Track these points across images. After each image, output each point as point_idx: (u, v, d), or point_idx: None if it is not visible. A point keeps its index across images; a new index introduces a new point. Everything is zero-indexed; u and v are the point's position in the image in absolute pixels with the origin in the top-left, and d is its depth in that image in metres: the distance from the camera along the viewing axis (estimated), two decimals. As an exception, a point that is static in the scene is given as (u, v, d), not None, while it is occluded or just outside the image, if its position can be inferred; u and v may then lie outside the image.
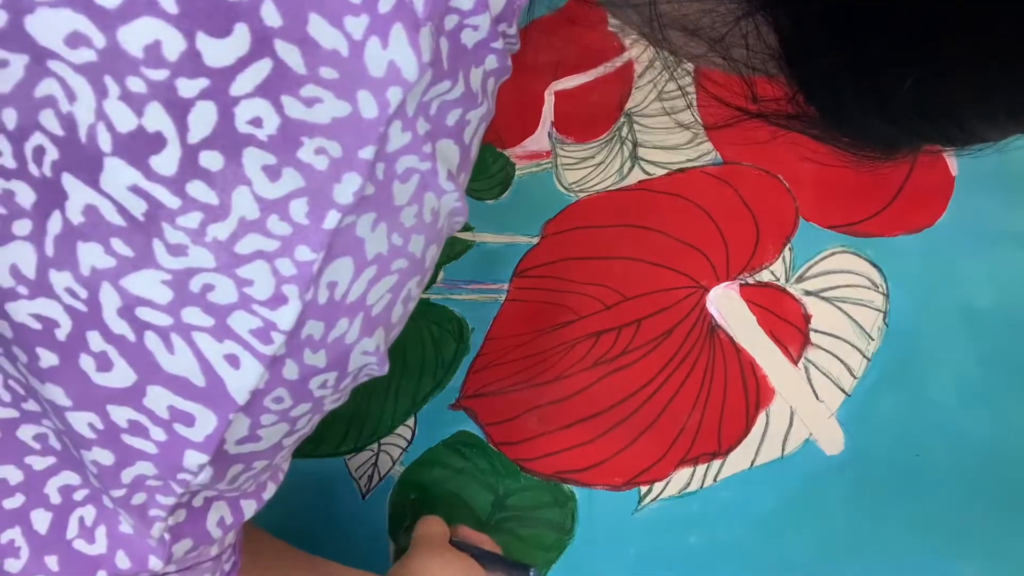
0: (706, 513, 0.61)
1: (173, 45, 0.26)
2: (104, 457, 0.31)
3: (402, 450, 0.63)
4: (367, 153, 0.28)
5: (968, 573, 0.60)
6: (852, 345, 0.61)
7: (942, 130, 0.30)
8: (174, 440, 0.30)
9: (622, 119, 0.64)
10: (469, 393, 0.63)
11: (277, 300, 0.29)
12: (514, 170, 0.64)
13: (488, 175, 0.65)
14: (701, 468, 0.61)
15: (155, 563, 0.33)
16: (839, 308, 0.62)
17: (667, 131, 0.64)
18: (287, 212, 0.28)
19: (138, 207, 0.27)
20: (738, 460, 0.61)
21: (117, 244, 0.28)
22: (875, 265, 0.62)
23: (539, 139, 0.65)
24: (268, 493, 0.37)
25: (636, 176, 0.64)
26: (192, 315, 0.29)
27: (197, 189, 0.27)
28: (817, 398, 0.61)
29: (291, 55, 0.27)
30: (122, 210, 0.27)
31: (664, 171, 0.64)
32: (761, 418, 0.61)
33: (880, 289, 0.62)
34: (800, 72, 0.30)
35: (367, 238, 0.30)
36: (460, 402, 0.63)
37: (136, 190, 0.27)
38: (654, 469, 0.61)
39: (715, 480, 0.61)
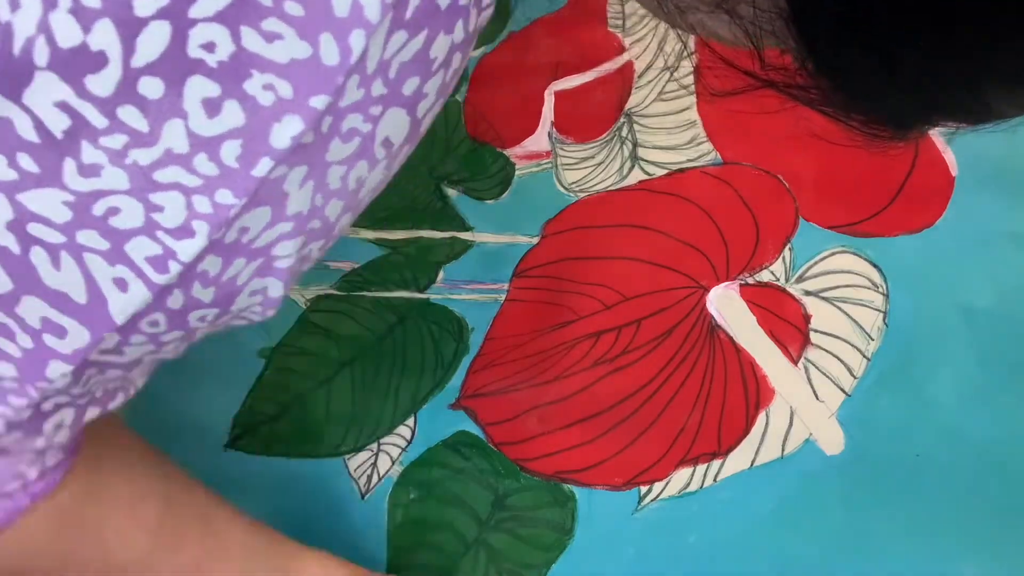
0: (706, 513, 0.61)
1: None
2: None
3: (402, 450, 0.63)
4: (319, 102, 0.27)
5: (968, 573, 0.60)
6: (852, 345, 0.61)
7: (955, 100, 0.29)
8: (39, 349, 0.30)
9: (622, 119, 0.64)
10: (469, 393, 0.63)
11: (184, 232, 0.28)
12: (514, 170, 0.64)
13: (488, 175, 0.65)
14: (701, 468, 0.61)
15: None
16: (839, 308, 0.62)
17: (667, 131, 0.64)
18: (217, 153, 0.27)
19: (60, 124, 0.26)
20: (738, 460, 0.61)
21: (23, 159, 0.26)
22: (875, 265, 0.62)
23: (539, 139, 0.65)
24: (115, 403, 0.36)
25: (636, 176, 0.64)
26: (87, 237, 0.28)
27: (128, 114, 0.26)
28: (817, 398, 0.61)
29: None
30: (39, 126, 0.26)
31: (664, 171, 0.64)
32: (761, 418, 0.61)
33: (880, 289, 0.62)
34: (807, 33, 0.29)
35: (292, 194, 0.29)
36: (460, 402, 0.63)
37: (63, 106, 0.26)
38: (654, 469, 0.61)
39: (715, 480, 0.61)
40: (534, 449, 0.62)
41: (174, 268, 0.28)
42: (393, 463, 0.63)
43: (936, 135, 0.64)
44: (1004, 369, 0.61)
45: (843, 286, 0.62)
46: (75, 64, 0.25)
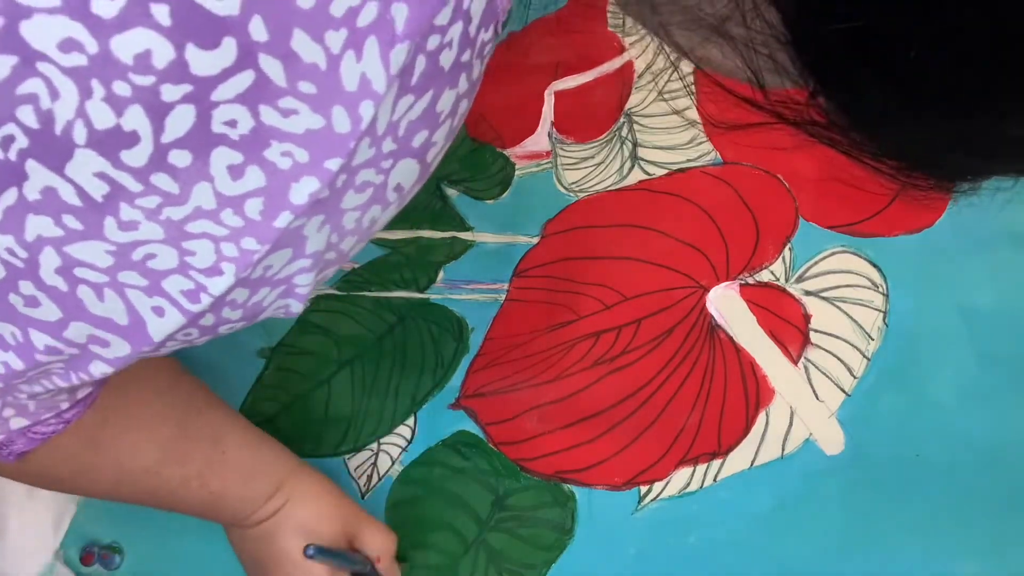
0: (706, 513, 0.61)
1: (163, 54, 0.27)
2: (15, 363, 0.33)
3: (402, 450, 0.63)
4: (333, 164, 0.30)
5: (968, 573, 0.60)
6: (852, 345, 0.61)
7: (980, 127, 0.28)
8: (86, 355, 0.33)
9: (622, 119, 0.64)
10: (469, 393, 0.63)
11: (214, 272, 0.31)
12: (514, 170, 0.64)
13: (488, 175, 0.65)
14: (701, 468, 0.61)
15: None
16: (839, 308, 0.62)
17: (667, 131, 0.64)
18: (242, 208, 0.30)
19: (99, 190, 0.29)
20: (738, 460, 0.61)
21: (68, 219, 0.29)
22: (875, 265, 0.62)
23: (539, 139, 0.65)
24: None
25: (636, 176, 0.64)
26: (128, 276, 0.31)
27: (161, 180, 0.29)
28: (817, 398, 0.61)
29: (274, 68, 0.28)
30: (81, 192, 0.29)
31: (664, 171, 0.64)
32: (761, 418, 0.61)
33: (880, 289, 0.62)
34: (809, 58, 0.29)
35: (311, 237, 0.32)
36: (460, 402, 0.63)
37: (101, 175, 0.29)
38: (654, 469, 0.61)
39: (715, 480, 0.61)
40: (534, 449, 0.62)
41: (205, 300, 0.32)
42: (393, 463, 0.63)
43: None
44: (1004, 369, 0.61)
45: (843, 286, 0.62)
46: (110, 142, 0.28)
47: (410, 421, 0.63)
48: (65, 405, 0.39)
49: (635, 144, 0.64)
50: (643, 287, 0.63)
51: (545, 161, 0.64)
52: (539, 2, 0.63)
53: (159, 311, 0.32)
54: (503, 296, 0.63)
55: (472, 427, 0.63)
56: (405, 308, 0.64)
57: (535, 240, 0.64)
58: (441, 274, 0.64)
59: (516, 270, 0.64)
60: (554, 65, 0.65)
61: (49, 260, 0.30)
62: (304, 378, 0.63)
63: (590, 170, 0.64)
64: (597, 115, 0.64)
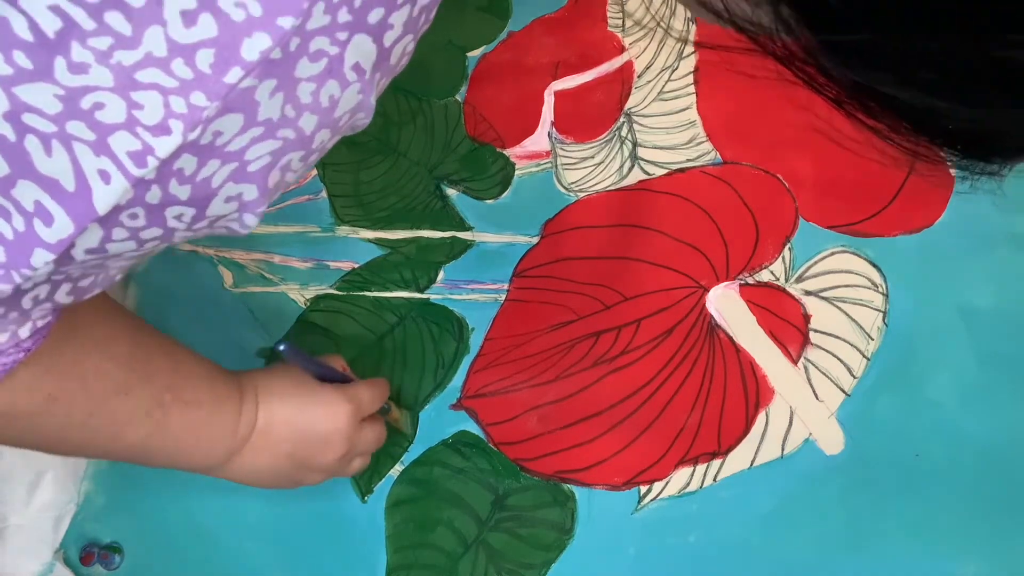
0: (706, 513, 0.61)
1: None
2: None
3: (403, 450, 0.63)
4: (286, 22, 0.30)
5: (968, 573, 0.60)
6: (852, 345, 0.61)
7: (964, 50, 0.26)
8: (29, 235, 0.32)
9: (622, 119, 0.64)
10: (470, 393, 0.63)
11: (161, 129, 0.31)
12: (514, 170, 0.64)
13: (488, 175, 0.65)
14: (701, 468, 0.61)
15: None
16: (839, 308, 0.62)
17: (667, 131, 0.64)
18: (193, 59, 0.30)
19: (52, 25, 0.29)
20: (738, 460, 0.61)
21: (19, 56, 0.29)
22: (875, 265, 0.62)
23: (539, 139, 0.65)
24: (90, 293, 0.39)
25: (636, 176, 0.64)
26: (76, 128, 0.31)
27: (114, 18, 0.29)
28: (817, 398, 0.61)
29: None
30: (33, 26, 0.29)
31: (664, 171, 0.64)
32: (761, 418, 0.61)
33: (880, 289, 0.62)
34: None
35: (263, 103, 0.32)
36: (461, 402, 0.63)
37: (55, 8, 0.29)
38: (654, 469, 0.61)
39: (715, 480, 0.61)
40: (534, 449, 0.62)
41: (152, 163, 0.31)
42: (393, 463, 0.63)
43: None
44: (1004, 369, 0.61)
45: (843, 286, 0.62)
46: None
47: (411, 421, 0.63)
48: (25, 332, 0.38)
49: (635, 144, 0.64)
50: (643, 287, 0.63)
51: (545, 161, 0.64)
52: None
53: (105, 176, 0.31)
54: (503, 296, 0.63)
55: (473, 427, 0.63)
56: (405, 308, 0.64)
57: (535, 240, 0.64)
58: (441, 274, 0.64)
59: (516, 270, 0.64)
60: (554, 65, 0.65)
61: None
62: (304, 378, 0.63)
63: (590, 170, 0.64)
64: (597, 115, 0.64)
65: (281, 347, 0.50)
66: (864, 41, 0.27)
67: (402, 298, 0.64)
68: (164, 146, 0.31)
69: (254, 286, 0.64)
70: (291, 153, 0.35)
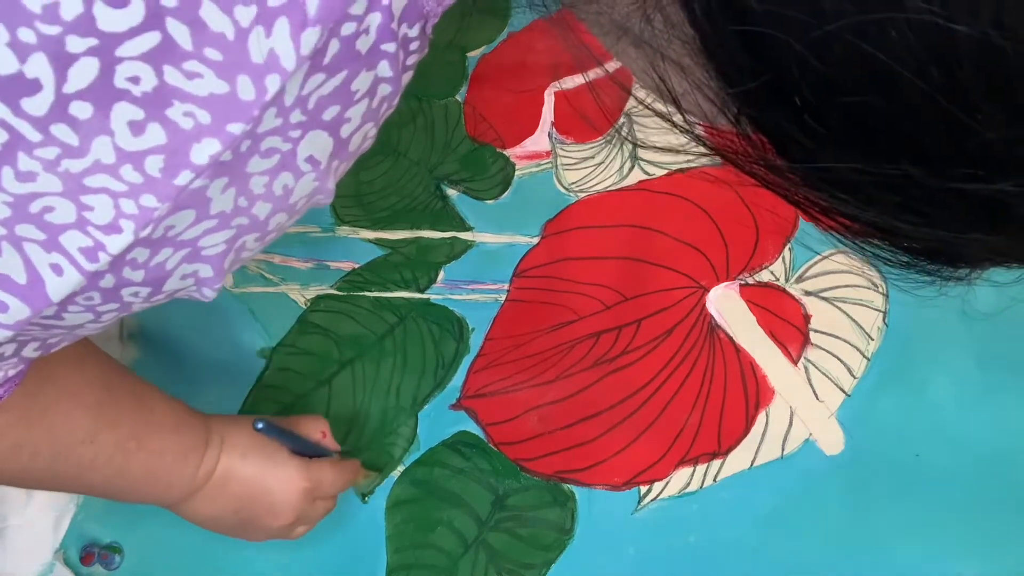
0: (706, 513, 0.61)
1: (71, 7, 0.27)
2: None
3: (403, 450, 0.63)
4: (235, 128, 0.30)
5: (968, 573, 0.60)
6: (852, 345, 0.61)
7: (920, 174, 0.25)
8: None
9: (622, 119, 0.64)
10: (470, 393, 0.63)
11: (112, 229, 0.31)
12: (514, 170, 0.64)
13: (488, 175, 0.65)
14: (701, 468, 0.61)
15: None
16: (839, 308, 0.62)
17: (667, 131, 0.64)
18: (142, 164, 0.30)
19: None
20: (738, 460, 0.61)
21: None
22: (875, 265, 0.62)
23: (539, 139, 0.65)
24: (59, 347, 0.39)
25: (636, 176, 0.64)
26: (25, 230, 0.31)
27: (60, 131, 0.29)
28: (817, 398, 0.61)
29: (180, 32, 0.28)
30: None
31: (664, 171, 0.64)
32: (761, 418, 0.61)
33: (880, 289, 0.62)
34: (717, 60, 0.27)
35: (215, 199, 0.32)
36: (461, 402, 0.63)
37: (1, 123, 0.29)
38: (654, 469, 0.61)
39: (715, 480, 0.61)
40: (534, 449, 0.62)
41: (103, 258, 0.32)
42: (394, 463, 0.63)
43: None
44: (1004, 369, 0.61)
45: (843, 286, 0.62)
46: (11, 88, 0.28)
47: (411, 421, 0.63)
48: None
49: (635, 144, 0.64)
50: (643, 287, 0.63)
51: (545, 161, 0.64)
52: None
53: (57, 269, 0.32)
54: (503, 296, 0.63)
55: (473, 427, 0.63)
56: (405, 308, 0.64)
57: (535, 240, 0.64)
58: (441, 274, 0.64)
59: (516, 270, 0.64)
60: (554, 65, 0.65)
61: None
62: (305, 378, 0.63)
63: (590, 170, 0.64)
64: (597, 115, 0.64)
65: (259, 425, 0.51)
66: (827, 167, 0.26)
67: (402, 298, 0.64)
68: (116, 244, 0.31)
69: (254, 286, 0.64)
70: (245, 236, 0.35)
